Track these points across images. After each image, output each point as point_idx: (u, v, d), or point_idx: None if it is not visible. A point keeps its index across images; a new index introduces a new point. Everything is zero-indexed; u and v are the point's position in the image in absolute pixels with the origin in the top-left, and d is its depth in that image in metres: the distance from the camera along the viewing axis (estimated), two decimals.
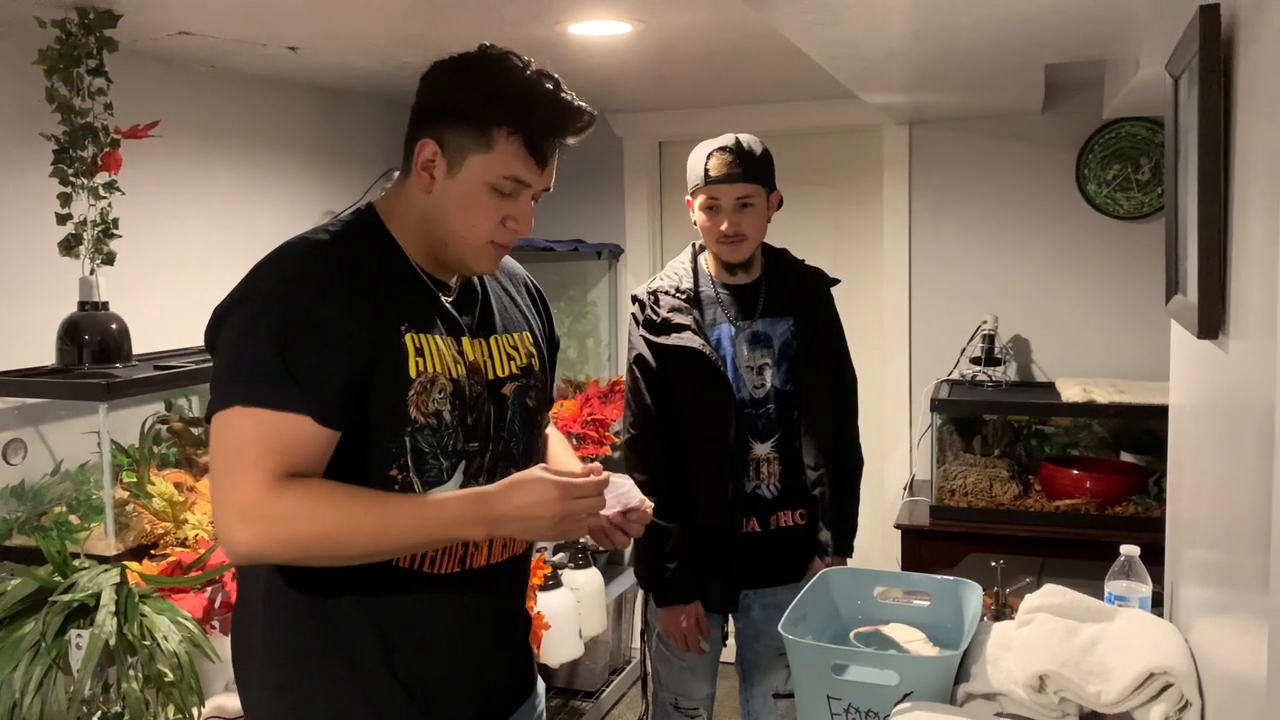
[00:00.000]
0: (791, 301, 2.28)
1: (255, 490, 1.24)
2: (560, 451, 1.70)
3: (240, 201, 2.86)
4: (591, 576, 3.22)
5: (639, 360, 2.23)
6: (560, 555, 3.28)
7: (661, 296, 2.23)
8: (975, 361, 3.36)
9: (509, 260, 1.61)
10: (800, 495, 2.26)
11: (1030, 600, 1.57)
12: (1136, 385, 3.15)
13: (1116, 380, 3.25)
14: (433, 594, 1.39)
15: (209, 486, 1.31)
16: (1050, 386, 3.32)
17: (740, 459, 2.21)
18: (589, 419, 3.24)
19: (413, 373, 1.34)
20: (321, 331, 1.28)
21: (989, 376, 3.35)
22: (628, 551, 3.75)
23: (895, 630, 1.69)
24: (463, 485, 1.39)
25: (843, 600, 1.76)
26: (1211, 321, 1.13)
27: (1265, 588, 0.87)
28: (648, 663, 2.34)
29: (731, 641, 2.36)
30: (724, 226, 2.17)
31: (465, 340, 1.43)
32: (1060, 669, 1.34)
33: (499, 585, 1.49)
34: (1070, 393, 3.08)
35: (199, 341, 2.45)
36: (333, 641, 1.37)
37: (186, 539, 2.12)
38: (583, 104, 1.38)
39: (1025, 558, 3.29)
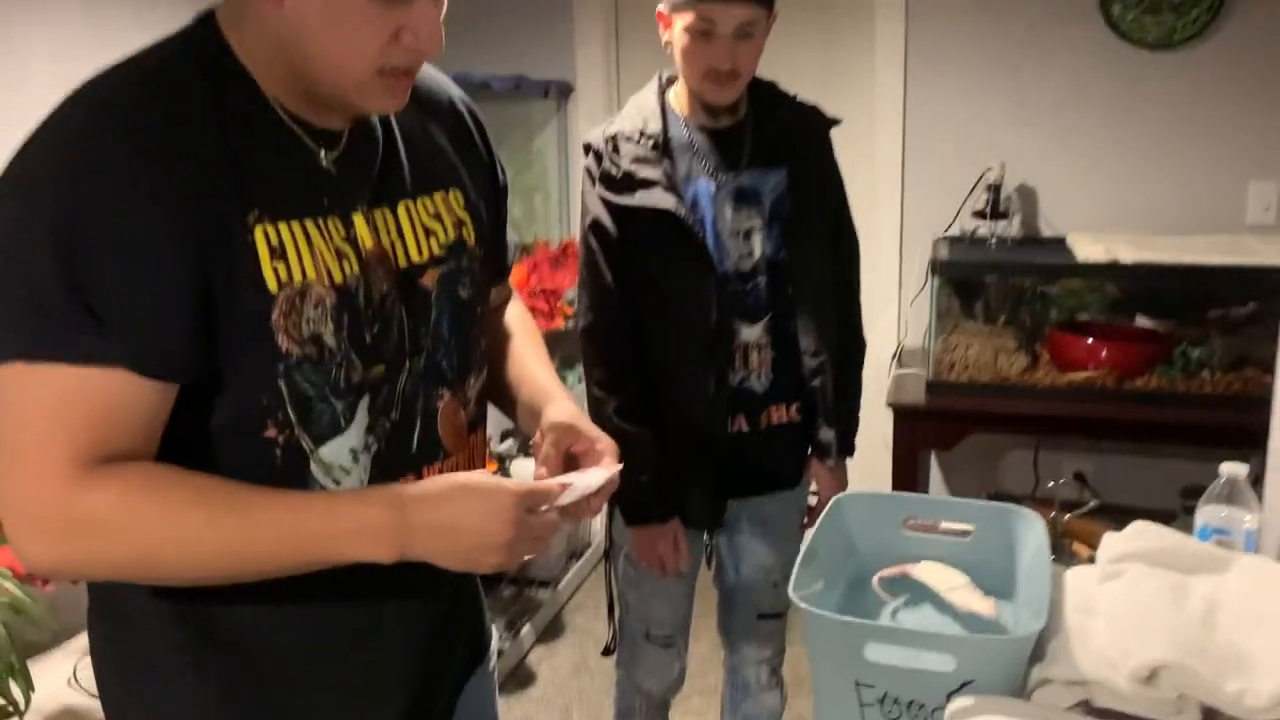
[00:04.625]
0: (784, 148, 1.83)
1: (49, 488, 0.86)
2: (528, 355, 1.27)
3: None
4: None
5: (595, 227, 1.79)
6: (507, 444, 2.90)
7: (622, 144, 1.77)
8: (979, 215, 2.95)
9: (427, 75, 1.15)
10: (795, 387, 1.87)
11: (1114, 544, 1.21)
12: (1156, 240, 2.77)
13: (1134, 235, 2.87)
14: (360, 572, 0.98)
15: None
16: (1060, 243, 2.92)
17: (724, 346, 1.80)
18: (538, 289, 2.81)
19: (272, 285, 0.93)
20: (130, 237, 0.87)
21: (992, 233, 2.95)
22: None
23: (929, 572, 1.32)
24: (369, 428, 1.02)
25: (860, 532, 1.39)
26: None
27: None
28: (614, 586, 1.99)
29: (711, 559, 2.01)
30: (719, 61, 1.69)
31: (358, 217, 1.00)
32: (1185, 659, 0.98)
33: None
34: (1088, 250, 2.69)
35: None
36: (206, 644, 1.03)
37: None
38: None
39: (1052, 442, 2.97)
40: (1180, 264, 2.53)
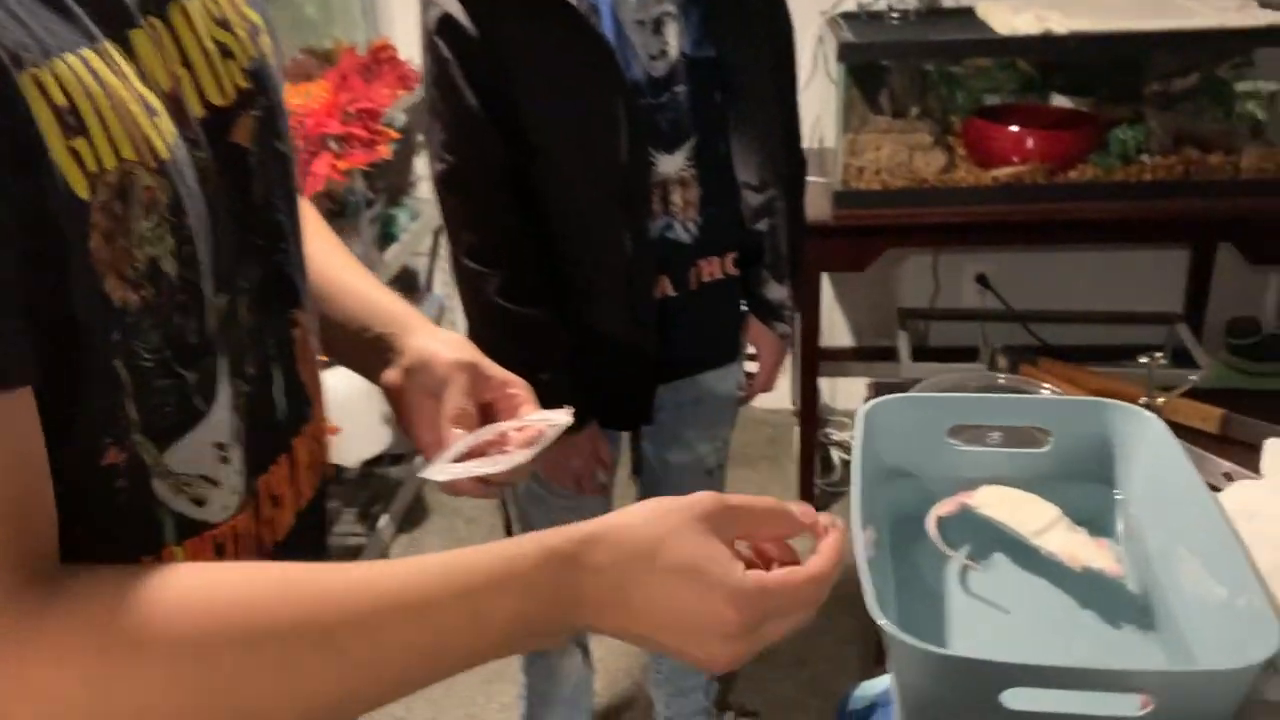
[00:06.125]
0: None
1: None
2: (329, 252, 0.83)
3: None
4: None
5: (446, 26, 1.23)
6: None
7: None
8: None
9: None
10: (729, 232, 1.42)
11: None
12: (1074, 4, 2.38)
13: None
14: None
15: None
16: (968, 14, 2.50)
17: (640, 185, 1.32)
18: (352, 111, 2.19)
19: (79, 184, 0.48)
20: None
21: (890, 6, 2.49)
22: (436, 280, 2.87)
23: (998, 503, 0.94)
24: (234, 403, 0.60)
25: (893, 449, 0.98)
26: None
27: None
28: (509, 504, 1.55)
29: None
30: None
31: (139, 37, 0.55)
32: None
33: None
34: (1013, 22, 2.28)
35: None
36: None
37: None
38: None
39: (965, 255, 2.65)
40: (1134, 31, 2.16)
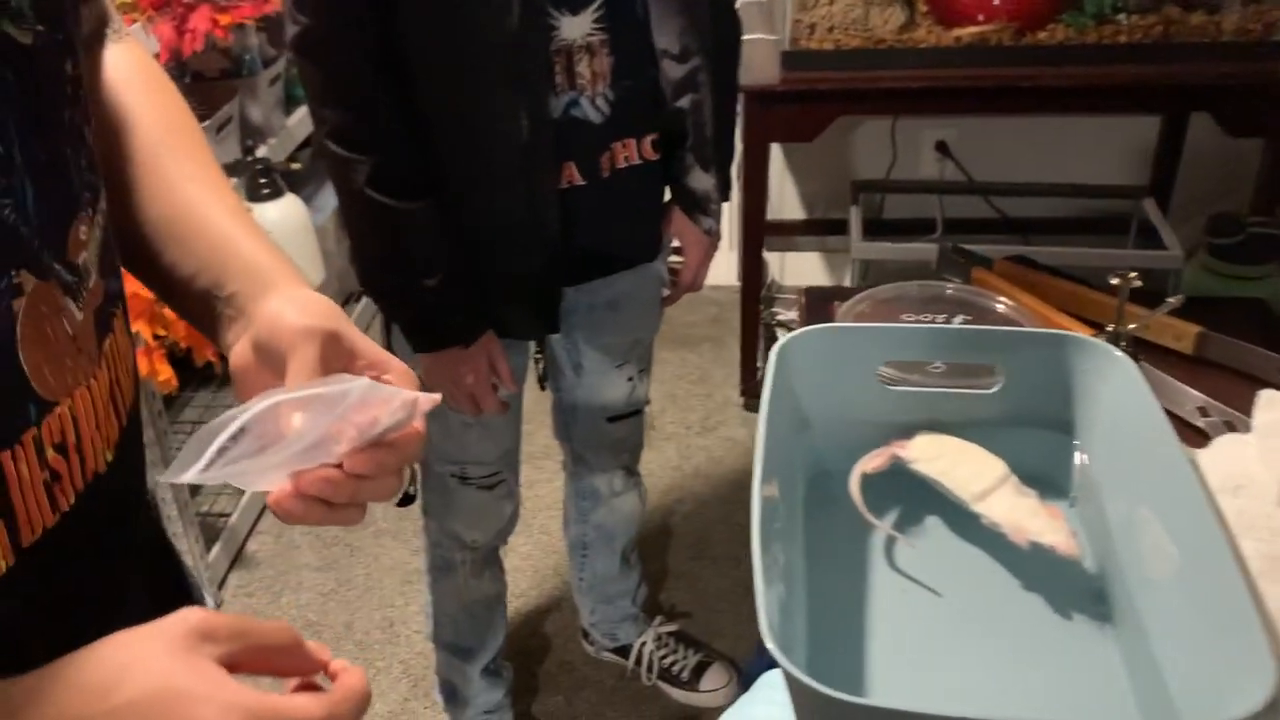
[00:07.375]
0: None
1: None
2: (182, 172, 0.64)
3: None
4: (288, 210, 2.11)
5: None
6: (232, 181, 2.12)
7: None
8: None
9: None
10: (648, 110, 1.22)
11: None
12: None
13: None
14: None
15: None
16: None
17: (537, 53, 1.11)
18: None
19: None
20: None
21: None
22: None
23: (934, 457, 0.79)
24: None
25: (814, 390, 0.82)
26: None
27: None
28: None
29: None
30: None
31: None
32: None
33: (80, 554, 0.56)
34: None
35: None
36: None
37: None
38: None
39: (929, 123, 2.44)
40: None
